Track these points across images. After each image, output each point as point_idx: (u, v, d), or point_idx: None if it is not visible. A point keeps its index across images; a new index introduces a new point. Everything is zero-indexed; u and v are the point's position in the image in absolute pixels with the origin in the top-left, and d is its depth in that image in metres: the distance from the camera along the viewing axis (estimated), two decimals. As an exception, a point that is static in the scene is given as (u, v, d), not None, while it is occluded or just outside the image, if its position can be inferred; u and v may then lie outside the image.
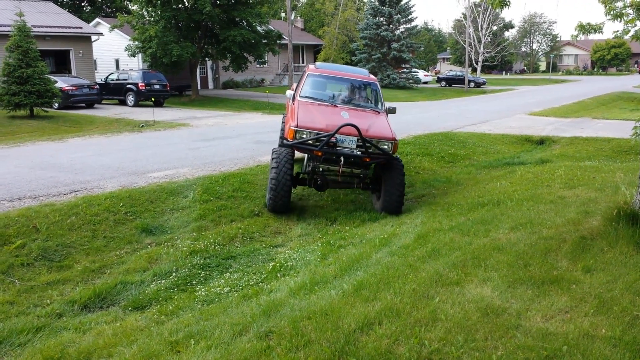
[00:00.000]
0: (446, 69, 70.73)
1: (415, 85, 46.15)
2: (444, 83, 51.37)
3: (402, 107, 30.06)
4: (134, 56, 28.78)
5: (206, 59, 32.25)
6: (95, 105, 25.05)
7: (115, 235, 7.45)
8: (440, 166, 12.91)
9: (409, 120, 20.63)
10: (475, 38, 55.95)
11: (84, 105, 24.35)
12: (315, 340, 3.93)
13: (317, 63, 10.80)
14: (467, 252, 5.71)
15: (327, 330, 4.04)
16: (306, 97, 9.32)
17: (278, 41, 32.08)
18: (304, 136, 8.19)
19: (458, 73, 52.08)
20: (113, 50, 34.65)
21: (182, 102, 28.74)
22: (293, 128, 8.21)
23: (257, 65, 40.07)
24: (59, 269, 6.35)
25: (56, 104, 22.06)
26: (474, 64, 57.31)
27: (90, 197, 8.21)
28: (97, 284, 6.08)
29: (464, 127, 18.72)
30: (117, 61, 35.40)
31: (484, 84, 49.60)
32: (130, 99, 26.16)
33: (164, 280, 6.29)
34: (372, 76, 9.99)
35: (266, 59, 37.20)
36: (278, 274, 6.09)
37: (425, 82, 52.25)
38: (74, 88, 23.69)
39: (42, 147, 13.94)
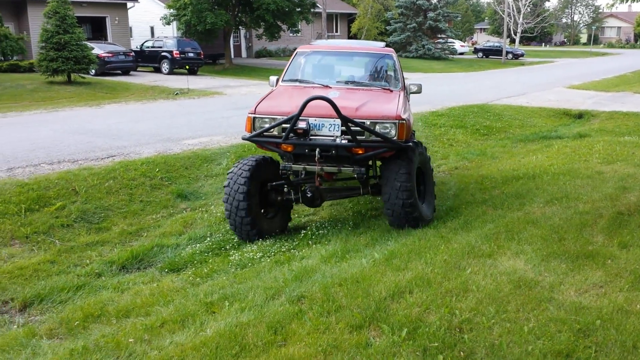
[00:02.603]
0: (483, 39, 69.03)
1: (451, 56, 45.24)
2: (481, 54, 50.19)
3: (437, 79, 29.71)
4: (169, 24, 28.90)
5: (240, 27, 32.16)
6: (131, 72, 25.33)
7: (151, 199, 7.62)
8: (475, 139, 12.74)
9: (443, 91, 20.31)
10: (514, 8, 54.35)
11: (119, 72, 24.64)
12: (346, 306, 4.00)
13: (317, 40, 8.68)
14: (500, 225, 5.67)
15: (358, 297, 4.09)
16: (291, 79, 6.94)
17: (312, 9, 31.75)
18: (266, 125, 5.87)
19: (496, 44, 50.81)
20: (148, 18, 34.77)
21: (216, 71, 28.83)
22: (250, 115, 5.98)
23: (291, 34, 39.74)
24: (98, 230, 6.55)
25: (93, 71, 22.37)
26: (513, 35, 55.77)
27: (127, 162, 8.38)
28: (135, 246, 6.26)
29: (500, 99, 18.35)
30: (152, 29, 35.55)
31: (522, 55, 48.31)
32: (165, 66, 26.35)
33: (198, 245, 6.44)
34: (388, 48, 7.52)
35: (299, 27, 36.88)
36: (309, 242, 6.16)
37: (462, 53, 51.12)
38: (110, 55, 23.96)
39: (79, 112, 14.23)
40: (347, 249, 5.54)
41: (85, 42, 20.75)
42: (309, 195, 6.28)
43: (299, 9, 29.83)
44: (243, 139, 6.19)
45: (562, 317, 3.63)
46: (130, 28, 32.80)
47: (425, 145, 7.61)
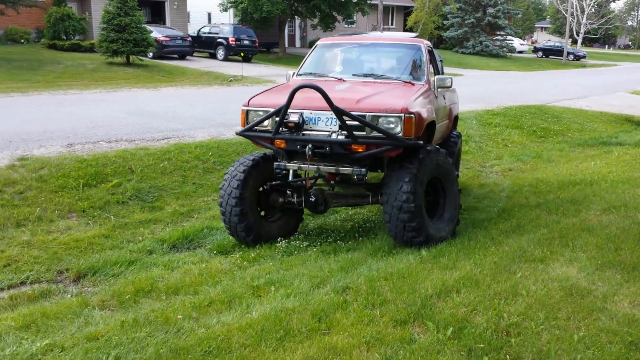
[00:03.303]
0: (544, 38, 66.98)
1: (510, 54, 44.14)
2: (540, 53, 48.77)
3: (493, 76, 29.06)
4: (226, 11, 29.28)
5: (295, 16, 32.29)
6: (187, 57, 25.82)
7: (203, 182, 7.77)
8: (531, 140, 12.41)
9: (500, 90, 19.84)
10: (578, 8, 52.46)
11: (176, 56, 25.15)
12: (391, 300, 3.99)
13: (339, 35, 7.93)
14: (554, 230, 5.53)
15: (404, 293, 4.08)
16: (306, 73, 6.43)
17: (368, 1, 31.52)
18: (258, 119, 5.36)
19: (556, 44, 49.27)
20: (206, 4, 35.31)
21: (270, 59, 29.07)
22: (243, 108, 5.51)
23: (345, 25, 39.61)
24: (151, 209, 6.73)
25: (150, 54, 22.90)
26: (575, 36, 53.90)
27: (182, 144, 8.57)
28: (186, 227, 6.41)
29: (559, 101, 17.80)
30: (209, 15, 36.11)
31: (584, 57, 46.69)
32: (220, 52, 26.73)
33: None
34: (417, 39, 6.74)
35: (355, 19, 36.72)
36: (356, 234, 6.16)
37: (520, 52, 49.80)
38: (168, 39, 24.48)
39: (137, 93, 14.63)
40: (394, 244, 5.51)
41: (145, 26, 21.25)
42: (312, 199, 5.58)
43: (355, 0, 29.68)
44: (236, 134, 5.75)
45: (614, 328, 3.51)
46: (188, 13, 33.42)
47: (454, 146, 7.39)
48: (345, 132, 4.95)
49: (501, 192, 7.72)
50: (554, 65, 39.25)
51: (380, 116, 4.99)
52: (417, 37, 7.08)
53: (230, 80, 18.79)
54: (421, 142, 5.20)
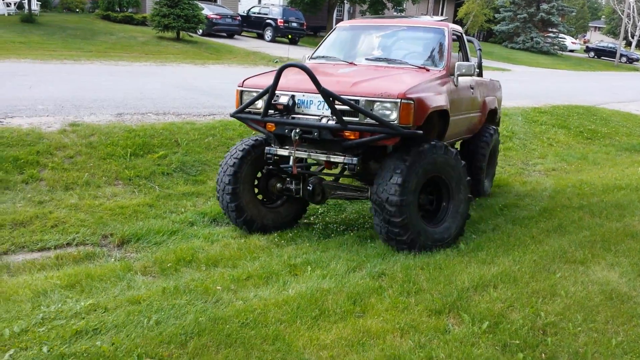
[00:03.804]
0: (597, 38, 64.87)
1: (560, 52, 43.00)
2: (592, 54, 47.36)
3: (542, 74, 28.38)
4: (276, -8, 29.31)
5: (344, 1, 32.08)
6: (235, 36, 25.98)
7: (244, 160, 7.86)
8: (577, 141, 12.11)
9: (548, 88, 19.37)
10: (635, 9, 50.51)
11: (224, 34, 25.33)
12: (426, 289, 4.01)
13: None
14: (596, 233, 5.43)
15: (440, 283, 4.09)
16: (319, 57, 6.20)
17: (420, -10, 31.07)
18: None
19: (610, 45, 47.73)
20: (257, -16, 35.40)
21: (316, 43, 28.89)
22: (238, 89, 5.31)
23: (394, 12, 39.19)
24: (194, 182, 6.87)
25: (200, 31, 23.13)
26: (630, 38, 51.97)
27: (227, 121, 8.68)
28: (226, 202, 6.51)
29: (609, 103, 17.27)
30: (259, -5, 36.20)
31: (637, 60, 45.16)
32: (268, 33, 26.82)
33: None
34: (442, 23, 6.12)
35: (404, 6, 36.26)
36: (394, 222, 6.16)
37: (572, 50, 48.46)
38: (218, 17, 24.67)
39: (185, 69, 14.84)
40: (431, 235, 5.50)
41: (197, 2, 21.47)
42: (309, 188, 5.21)
43: (407, -12, 29.32)
44: (230, 115, 5.46)
45: (655, 336, 3.46)
46: (239, -7, 33.54)
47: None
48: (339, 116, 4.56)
49: (543, 192, 7.59)
50: (605, 67, 38.05)
51: (375, 101, 4.56)
52: (444, 21, 6.42)
53: (276, 62, 18.86)
54: (421, 132, 4.64)
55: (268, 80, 4.86)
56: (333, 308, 3.69)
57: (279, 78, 4.64)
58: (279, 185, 5.54)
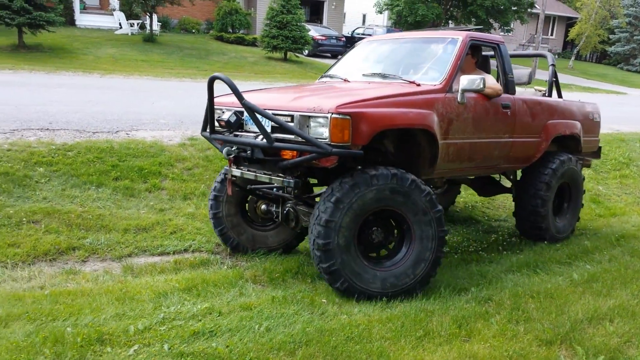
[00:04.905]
0: None
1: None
2: None
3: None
4: (381, 13, 29.65)
5: (449, 21, 31.77)
6: (339, 57, 26.45)
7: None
8: None
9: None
10: None
11: (329, 55, 25.96)
12: (536, 319, 3.89)
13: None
14: None
15: (552, 313, 3.95)
16: (326, 75, 5.80)
17: (529, 9, 30.14)
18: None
19: None
20: (362, 6, 36.02)
21: (419, 63, 28.88)
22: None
23: (501, 33, 38.20)
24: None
25: (306, 51, 23.87)
26: None
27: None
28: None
29: None
30: (364, 16, 36.81)
31: None
32: (371, 53, 27.08)
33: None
34: (462, 32, 5.26)
35: (512, 26, 35.30)
36: (500, 247, 6.02)
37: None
38: (323, 38, 25.38)
39: (291, 88, 15.38)
40: (540, 262, 5.31)
41: (304, 24, 22.22)
42: (284, 212, 4.86)
43: (515, 8, 28.56)
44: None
45: None
46: (344, 14, 34.28)
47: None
48: (279, 135, 4.16)
49: (666, 224, 7.08)
50: None
51: (308, 116, 4.05)
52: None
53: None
54: (360, 152, 4.05)
55: (234, 99, 4.34)
56: (438, 330, 3.68)
57: (211, 92, 4.40)
58: (263, 207, 5.20)
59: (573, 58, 39.06)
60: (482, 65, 5.67)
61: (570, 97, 6.83)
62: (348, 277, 4.09)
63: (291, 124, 4.08)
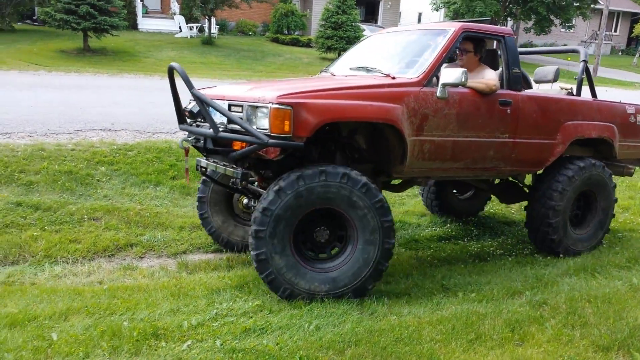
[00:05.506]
0: None
1: None
2: None
3: None
4: (437, 10, 29.25)
5: (508, 18, 31.01)
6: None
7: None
8: None
9: None
10: None
11: (383, 54, 25.82)
12: (593, 324, 3.77)
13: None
14: None
15: (609, 318, 3.82)
16: (324, 70, 5.59)
17: (592, 5, 29.04)
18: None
19: None
20: (417, 4, 35.65)
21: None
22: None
23: (562, 30, 36.97)
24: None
25: (359, 51, 23.79)
26: None
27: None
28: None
29: None
30: (419, 15, 36.44)
31: None
32: (426, 52, 26.78)
33: (438, 229, 6.59)
34: (457, 23, 4.90)
35: (574, 22, 34.09)
36: (556, 250, 5.85)
37: None
38: (377, 37, 25.25)
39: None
40: (598, 266, 5.13)
41: (358, 24, 22.22)
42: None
43: (577, 4, 27.58)
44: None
45: None
46: (400, 13, 34.02)
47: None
48: (233, 125, 4.07)
49: None
50: None
51: (254, 106, 3.97)
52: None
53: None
54: (298, 143, 3.87)
55: (224, 90, 4.56)
56: (490, 333, 3.62)
57: (172, 81, 4.39)
58: (245, 201, 5.19)
59: (637, 55, 37.32)
60: (489, 60, 5.24)
61: (633, 96, 6.51)
62: (276, 270, 3.97)
63: (234, 114, 4.03)
